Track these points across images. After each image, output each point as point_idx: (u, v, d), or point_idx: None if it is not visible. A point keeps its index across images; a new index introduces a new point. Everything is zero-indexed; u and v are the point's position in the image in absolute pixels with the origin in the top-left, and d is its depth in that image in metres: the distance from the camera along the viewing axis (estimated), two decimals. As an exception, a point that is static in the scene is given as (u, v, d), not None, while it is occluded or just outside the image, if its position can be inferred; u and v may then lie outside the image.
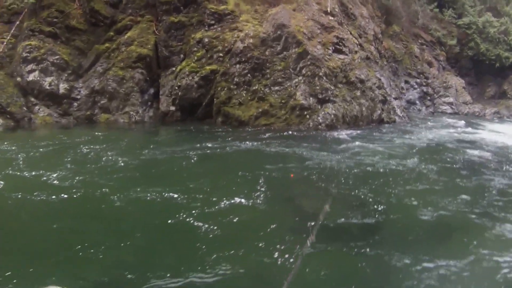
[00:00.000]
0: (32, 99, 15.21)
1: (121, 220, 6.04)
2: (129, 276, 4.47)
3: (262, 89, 13.54)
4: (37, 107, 15.12)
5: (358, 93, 14.59)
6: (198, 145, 10.52)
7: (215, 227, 5.55)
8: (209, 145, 10.54)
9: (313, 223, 4.68)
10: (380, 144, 11.34)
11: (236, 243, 5.26)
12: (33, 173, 7.89)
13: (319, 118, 13.23)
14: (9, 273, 4.43)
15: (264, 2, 15.47)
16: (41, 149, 10.10)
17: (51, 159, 9.13)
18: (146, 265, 4.70)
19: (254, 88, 13.60)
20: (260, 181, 7.57)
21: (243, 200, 6.54)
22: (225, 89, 13.67)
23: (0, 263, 4.65)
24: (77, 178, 7.58)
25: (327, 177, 8.23)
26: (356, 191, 7.33)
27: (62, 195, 6.67)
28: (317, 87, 13.50)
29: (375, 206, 6.60)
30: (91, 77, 14.90)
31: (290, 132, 12.46)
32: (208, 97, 13.94)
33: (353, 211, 6.33)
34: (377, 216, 6.24)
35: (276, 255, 4.86)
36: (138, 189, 6.94)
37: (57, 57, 14.99)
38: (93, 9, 15.47)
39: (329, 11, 15.57)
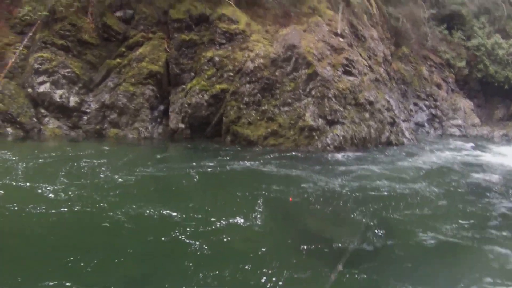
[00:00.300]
0: (42, 110, 15.35)
1: (116, 235, 6.07)
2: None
3: (272, 109, 13.59)
4: (47, 119, 15.26)
5: (367, 115, 14.62)
6: (204, 163, 10.58)
7: (207, 247, 5.63)
8: (215, 164, 10.59)
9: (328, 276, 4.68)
10: (387, 166, 11.35)
11: (225, 263, 5.28)
12: (32, 185, 7.98)
13: (327, 139, 13.27)
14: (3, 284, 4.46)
15: (275, 22, 15.60)
16: (45, 161, 10.27)
17: (52, 171, 9.22)
18: (133, 282, 4.75)
19: (263, 108, 13.66)
20: (260, 202, 7.57)
21: (239, 221, 6.59)
22: (235, 108, 13.74)
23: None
24: (75, 191, 7.65)
25: (329, 199, 8.20)
26: (356, 214, 7.30)
27: (59, 208, 6.74)
28: (326, 109, 13.56)
29: (375, 231, 6.55)
30: (102, 91, 15.04)
31: (298, 153, 12.48)
32: (218, 115, 13.99)
33: (351, 236, 6.29)
34: (375, 241, 6.20)
35: (264, 279, 4.88)
36: (136, 205, 7.00)
37: (68, 70, 15.15)
38: (105, 24, 15.65)
39: (339, 33, 15.67)
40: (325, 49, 14.86)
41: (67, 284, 4.58)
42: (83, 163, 10.11)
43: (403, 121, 16.93)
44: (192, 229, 6.13)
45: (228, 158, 11.52)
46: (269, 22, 15.58)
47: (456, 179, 10.48)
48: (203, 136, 14.28)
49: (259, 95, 13.75)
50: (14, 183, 8.12)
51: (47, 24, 15.81)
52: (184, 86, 14.55)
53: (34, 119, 15.17)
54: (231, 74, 14.11)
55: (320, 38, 15.09)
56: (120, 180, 8.74)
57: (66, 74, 15.12)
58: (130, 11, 15.81)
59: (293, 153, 12.49)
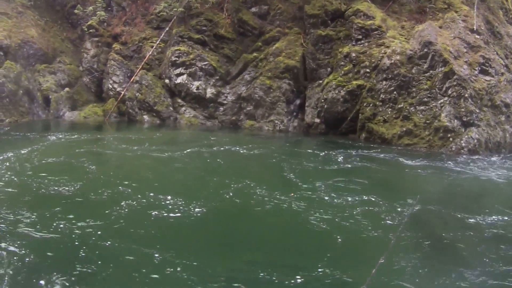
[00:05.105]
0: (179, 100, 16.50)
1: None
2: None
3: (407, 107, 13.49)
4: (183, 108, 16.39)
5: (503, 118, 14.05)
6: (338, 158, 10.98)
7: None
8: (349, 159, 10.91)
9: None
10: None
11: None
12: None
13: (462, 142, 12.92)
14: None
15: (411, 18, 15.39)
16: (194, 144, 11.64)
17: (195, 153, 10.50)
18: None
19: (399, 106, 13.60)
20: (384, 202, 7.38)
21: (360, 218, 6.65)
22: (371, 105, 13.84)
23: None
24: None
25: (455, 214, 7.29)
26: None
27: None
28: (462, 109, 13.20)
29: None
30: (238, 84, 15.82)
31: (431, 155, 12.24)
32: (353, 112, 14.19)
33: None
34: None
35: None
36: (263, 193, 7.58)
37: (205, 63, 16.09)
38: (241, 19, 16.39)
39: (475, 29, 15.14)
40: (461, 46, 14.42)
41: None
42: (221, 148, 11.21)
43: (539, 126, 16.05)
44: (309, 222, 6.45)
45: (362, 154, 11.67)
46: (404, 18, 15.40)
47: None
48: (338, 131, 14.55)
49: (395, 92, 13.71)
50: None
51: (183, 20, 16.89)
52: (320, 81, 14.88)
53: (171, 108, 16.37)
54: (368, 70, 14.17)
55: (456, 35, 14.66)
56: (256, 165, 9.71)
57: (203, 66, 16.07)
58: (265, 7, 16.41)
59: (427, 154, 12.28)
